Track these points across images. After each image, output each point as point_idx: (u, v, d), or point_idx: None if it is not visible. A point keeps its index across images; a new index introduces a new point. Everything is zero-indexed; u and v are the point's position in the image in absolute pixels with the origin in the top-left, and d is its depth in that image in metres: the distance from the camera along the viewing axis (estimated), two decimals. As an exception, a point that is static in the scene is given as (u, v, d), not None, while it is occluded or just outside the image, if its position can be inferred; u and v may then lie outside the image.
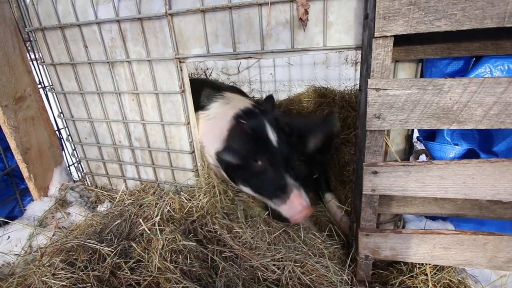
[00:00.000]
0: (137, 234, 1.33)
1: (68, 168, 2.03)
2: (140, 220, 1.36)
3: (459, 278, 1.21)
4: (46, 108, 1.88)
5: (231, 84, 3.24)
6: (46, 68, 1.70)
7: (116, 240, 1.29)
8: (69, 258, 1.21)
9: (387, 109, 0.93)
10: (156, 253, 1.19)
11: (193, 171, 1.55)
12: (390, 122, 0.94)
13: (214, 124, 1.52)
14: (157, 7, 1.27)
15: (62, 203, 1.75)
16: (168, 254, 1.21)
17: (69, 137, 1.85)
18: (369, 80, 0.91)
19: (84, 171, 1.96)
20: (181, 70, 1.35)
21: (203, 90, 1.68)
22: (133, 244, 1.25)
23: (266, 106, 1.71)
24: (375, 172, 1.01)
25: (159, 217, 1.34)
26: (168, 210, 1.40)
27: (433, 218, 1.53)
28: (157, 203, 1.46)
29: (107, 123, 1.65)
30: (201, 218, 1.41)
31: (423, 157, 2.43)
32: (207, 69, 3.36)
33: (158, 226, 1.31)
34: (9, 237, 1.52)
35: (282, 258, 1.25)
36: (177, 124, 1.47)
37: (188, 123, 1.45)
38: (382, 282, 1.26)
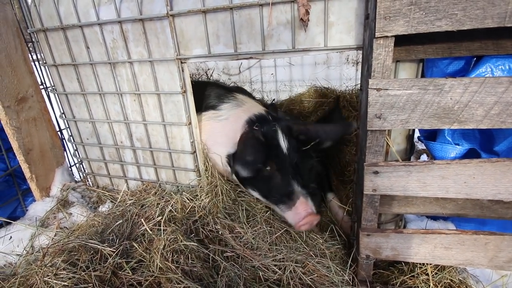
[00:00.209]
0: (138, 234, 1.33)
1: (70, 169, 2.04)
2: (142, 220, 1.36)
3: (460, 278, 1.21)
4: (48, 109, 1.89)
5: (232, 84, 3.25)
6: (48, 69, 1.71)
7: (117, 240, 1.30)
8: (71, 258, 1.22)
9: (388, 109, 0.93)
10: (158, 253, 1.20)
11: (194, 171, 1.55)
12: (391, 122, 0.94)
13: (226, 126, 1.51)
14: (158, 8, 1.28)
15: (64, 204, 1.75)
16: (170, 254, 1.21)
17: (71, 137, 1.86)
18: (370, 80, 0.91)
19: (86, 171, 1.96)
20: (183, 71, 1.36)
21: (211, 90, 1.68)
22: (135, 244, 1.26)
23: (277, 112, 1.70)
24: (376, 172, 1.01)
25: (163, 217, 1.35)
26: (170, 210, 1.41)
27: (434, 218, 1.53)
28: (159, 203, 1.46)
29: (108, 124, 1.66)
30: (203, 218, 1.41)
31: (424, 157, 2.43)
32: (208, 69, 3.36)
33: (160, 226, 1.32)
34: (11, 237, 1.53)
35: (283, 258, 1.26)
36: (178, 124, 1.47)
37: (190, 123, 1.45)
38: (383, 282, 1.26)
